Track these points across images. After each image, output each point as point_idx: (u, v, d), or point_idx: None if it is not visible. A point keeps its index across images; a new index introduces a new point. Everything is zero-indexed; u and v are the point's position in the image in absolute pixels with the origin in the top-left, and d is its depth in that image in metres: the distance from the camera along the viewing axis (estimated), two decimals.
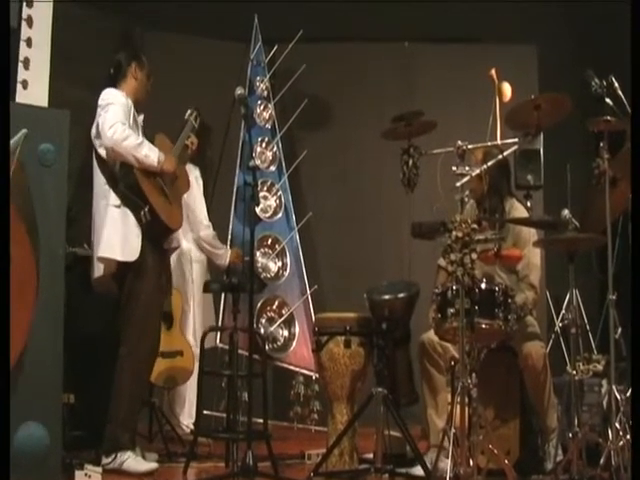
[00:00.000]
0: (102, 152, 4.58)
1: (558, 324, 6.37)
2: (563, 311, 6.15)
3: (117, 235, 4.51)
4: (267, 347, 6.22)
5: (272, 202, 6.60)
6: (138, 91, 4.79)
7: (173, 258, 5.48)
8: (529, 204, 5.03)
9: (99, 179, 4.63)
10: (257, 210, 6.40)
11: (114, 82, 4.74)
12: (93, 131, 4.63)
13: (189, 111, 4.98)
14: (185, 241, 5.74)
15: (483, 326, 4.13)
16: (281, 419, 6.48)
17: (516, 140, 4.47)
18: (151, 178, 4.58)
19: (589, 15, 7.18)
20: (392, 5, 7.06)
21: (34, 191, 4.13)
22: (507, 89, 6.05)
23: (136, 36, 6.73)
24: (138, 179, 4.50)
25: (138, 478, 4.26)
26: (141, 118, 4.82)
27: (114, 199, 4.54)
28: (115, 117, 4.50)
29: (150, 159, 4.53)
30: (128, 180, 4.52)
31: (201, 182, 5.87)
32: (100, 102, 4.59)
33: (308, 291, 6.53)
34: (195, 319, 5.77)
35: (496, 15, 7.11)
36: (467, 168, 4.20)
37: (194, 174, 5.81)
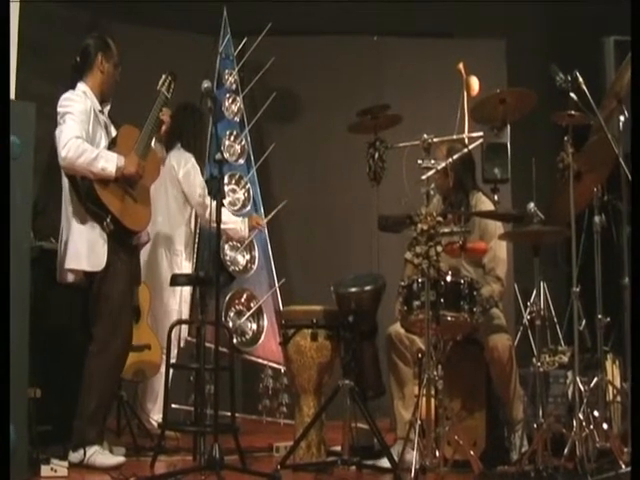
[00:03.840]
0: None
1: (526, 316, 6.41)
2: (530, 303, 6.19)
3: (83, 246, 4.50)
4: (235, 340, 6.22)
5: (240, 195, 6.58)
6: (104, 83, 4.70)
7: (145, 253, 5.52)
8: (496, 197, 5.06)
9: (66, 184, 4.61)
10: (225, 203, 6.37)
11: (80, 73, 4.66)
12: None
13: (163, 77, 4.81)
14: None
15: (449, 318, 4.16)
16: (250, 412, 6.47)
17: (481, 134, 4.50)
18: (111, 185, 4.52)
19: (557, 10, 7.23)
20: None
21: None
22: (475, 83, 6.11)
23: (102, 27, 6.69)
24: (97, 191, 4.47)
25: (105, 472, 4.24)
26: (107, 109, 4.75)
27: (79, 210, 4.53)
28: (69, 132, 4.44)
29: (107, 171, 4.46)
30: (88, 193, 4.48)
31: (198, 168, 5.79)
32: (59, 109, 4.53)
33: (276, 284, 6.53)
34: (182, 316, 5.76)
35: (465, 10, 7.14)
36: (433, 162, 4.22)
37: (190, 162, 5.77)
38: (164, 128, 4.81)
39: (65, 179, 4.60)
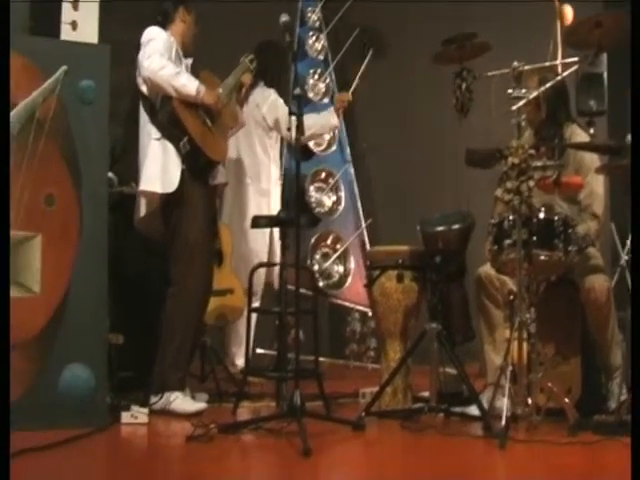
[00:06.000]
0: (144, 89, 4.53)
1: (623, 256, 6.14)
2: (628, 243, 5.91)
3: (157, 167, 4.44)
4: (322, 283, 6.14)
5: (326, 135, 6.43)
6: (185, 34, 4.74)
7: (231, 194, 5.59)
8: (592, 131, 4.79)
9: (143, 117, 4.57)
10: (311, 144, 6.25)
11: (163, 27, 4.68)
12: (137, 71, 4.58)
13: (245, 54, 4.91)
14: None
15: (542, 258, 3.98)
16: (337, 357, 6.40)
17: (576, 59, 4.24)
18: (191, 109, 4.50)
19: None
20: None
21: (75, 129, 4.10)
22: (569, 12, 5.82)
23: None
24: (176, 109, 4.43)
25: (185, 419, 4.18)
26: (189, 62, 4.76)
27: (155, 133, 4.48)
28: (153, 49, 4.45)
29: (187, 88, 4.44)
30: (166, 111, 4.45)
31: (281, 100, 5.71)
32: (142, 40, 4.54)
33: (363, 225, 6.39)
34: (273, 258, 5.66)
35: None
36: (523, 91, 4.01)
37: (273, 96, 5.72)
38: (244, 91, 4.97)
39: (141, 110, 4.56)
